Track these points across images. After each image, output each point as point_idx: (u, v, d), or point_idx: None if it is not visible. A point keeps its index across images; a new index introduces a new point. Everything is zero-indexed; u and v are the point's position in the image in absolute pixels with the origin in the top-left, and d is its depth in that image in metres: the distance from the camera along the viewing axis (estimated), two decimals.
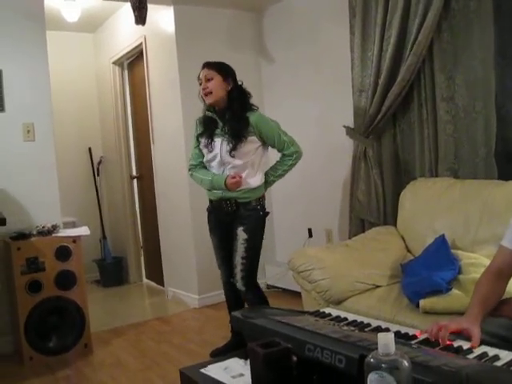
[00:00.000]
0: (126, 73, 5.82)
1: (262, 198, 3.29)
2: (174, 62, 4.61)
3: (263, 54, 5.03)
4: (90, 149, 6.06)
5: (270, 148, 3.32)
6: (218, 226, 3.37)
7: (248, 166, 3.18)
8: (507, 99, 3.34)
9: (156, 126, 5.05)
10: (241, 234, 3.20)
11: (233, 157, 3.14)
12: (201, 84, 3.23)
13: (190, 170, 3.43)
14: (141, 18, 3.81)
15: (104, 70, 5.91)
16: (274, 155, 3.38)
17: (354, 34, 3.83)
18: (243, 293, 3.29)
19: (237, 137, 3.13)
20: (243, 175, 3.16)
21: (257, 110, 3.27)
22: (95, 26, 5.87)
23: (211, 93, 3.18)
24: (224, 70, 3.22)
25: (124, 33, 5.36)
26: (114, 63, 5.73)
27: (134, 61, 5.57)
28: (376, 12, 3.61)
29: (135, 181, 5.89)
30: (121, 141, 5.80)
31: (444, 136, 3.40)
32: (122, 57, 5.57)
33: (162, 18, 4.72)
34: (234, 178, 3.13)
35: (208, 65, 3.25)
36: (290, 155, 3.24)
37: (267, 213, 3.32)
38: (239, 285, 3.25)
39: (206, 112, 3.31)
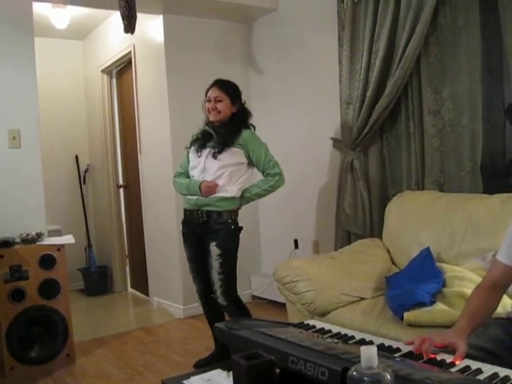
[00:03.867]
0: (114, 81, 5.81)
1: (235, 212, 3.29)
2: (162, 72, 4.60)
3: (252, 65, 5.04)
4: (76, 157, 6.03)
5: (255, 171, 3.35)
6: (190, 237, 3.38)
7: (226, 176, 3.21)
8: (493, 114, 3.37)
9: (143, 135, 5.03)
10: (214, 250, 3.21)
11: (215, 158, 3.18)
12: (209, 101, 3.26)
13: (174, 176, 3.48)
14: (130, 27, 3.80)
15: (92, 77, 5.89)
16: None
17: (342, 46, 3.85)
18: (225, 307, 3.28)
19: (224, 143, 3.18)
20: (219, 183, 3.19)
21: (251, 128, 3.32)
22: (84, 34, 5.85)
23: (220, 112, 3.23)
24: (234, 93, 3.28)
25: (113, 41, 5.36)
26: (103, 71, 5.72)
27: (122, 69, 5.57)
28: (364, 25, 3.64)
29: (121, 190, 5.86)
30: (108, 149, 5.78)
31: (430, 149, 3.43)
32: (110, 65, 5.56)
33: (151, 27, 4.72)
34: (209, 182, 3.18)
35: (220, 85, 3.29)
36: (272, 175, 3.25)
37: (240, 227, 3.32)
38: (220, 300, 3.25)
39: (205, 126, 3.36)
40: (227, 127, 3.23)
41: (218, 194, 3.20)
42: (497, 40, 3.17)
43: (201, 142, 3.31)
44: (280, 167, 3.28)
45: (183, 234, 3.44)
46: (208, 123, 3.34)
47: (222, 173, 3.20)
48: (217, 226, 3.22)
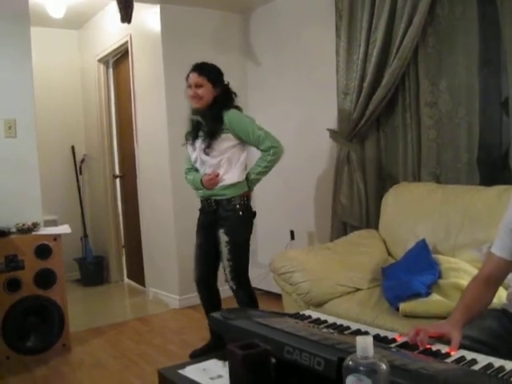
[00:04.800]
0: (110, 71, 5.78)
1: (244, 196, 3.25)
2: (159, 62, 4.59)
3: (249, 56, 5.02)
4: (72, 147, 6.01)
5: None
6: (203, 225, 3.38)
7: (224, 164, 3.19)
8: (490, 105, 3.37)
9: (140, 125, 5.02)
10: (222, 237, 3.22)
11: (207, 154, 3.18)
12: (189, 87, 3.22)
13: (185, 173, 3.46)
14: (127, 17, 3.79)
15: (89, 67, 5.86)
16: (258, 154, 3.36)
17: (339, 37, 3.84)
18: (234, 291, 3.29)
19: (211, 135, 3.15)
20: (220, 173, 3.18)
21: (235, 108, 3.27)
22: (81, 23, 5.82)
23: (201, 98, 3.19)
24: (214, 77, 3.22)
25: (110, 31, 5.33)
26: (99, 61, 5.69)
27: (119, 59, 5.54)
28: (362, 15, 3.63)
29: (118, 180, 5.85)
30: (104, 139, 5.76)
31: (427, 141, 3.43)
32: (107, 55, 5.53)
33: (148, 16, 4.69)
34: (209, 175, 3.17)
35: (198, 70, 3.22)
36: (267, 150, 3.20)
37: (253, 212, 3.32)
38: (230, 284, 3.27)
39: (192, 116, 3.33)
40: (212, 113, 3.19)
41: (221, 184, 3.19)
42: (494, 32, 3.16)
43: (193, 133, 3.29)
44: (272, 137, 3.20)
45: (198, 220, 3.44)
46: (194, 111, 3.30)
47: (220, 161, 3.18)
48: (225, 213, 3.21)
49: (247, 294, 3.32)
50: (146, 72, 4.87)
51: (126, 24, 3.89)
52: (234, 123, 3.18)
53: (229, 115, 3.19)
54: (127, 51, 5.09)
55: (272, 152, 3.19)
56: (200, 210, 3.42)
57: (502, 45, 3.07)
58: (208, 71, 3.22)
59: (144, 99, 4.93)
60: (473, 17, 3.17)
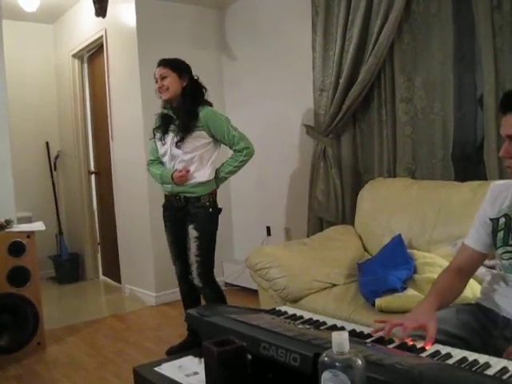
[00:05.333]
0: (85, 66, 5.72)
1: (212, 194, 3.27)
2: (134, 57, 4.54)
3: (225, 51, 5.00)
4: (47, 143, 5.94)
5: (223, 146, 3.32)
6: (171, 222, 3.38)
7: (196, 161, 3.19)
8: (465, 101, 3.40)
9: (115, 120, 4.97)
10: (191, 232, 3.22)
11: (178, 148, 3.16)
12: (156, 82, 3.23)
13: (148, 164, 3.45)
14: (101, 10, 3.76)
15: (63, 62, 5.79)
16: (230, 153, 3.35)
17: (316, 32, 3.85)
18: (200, 289, 3.29)
19: (185, 130, 3.14)
20: (191, 169, 3.17)
21: (209, 105, 3.27)
22: (55, 17, 5.73)
23: (167, 89, 3.19)
24: (179, 67, 3.22)
25: (84, 25, 5.26)
26: (74, 56, 5.62)
27: (94, 54, 5.48)
28: (338, 11, 3.63)
29: (93, 176, 5.80)
30: (79, 135, 5.70)
31: (402, 137, 3.45)
32: (81, 49, 5.47)
33: (123, 10, 4.65)
34: (180, 171, 3.15)
35: (163, 63, 3.24)
36: (240, 150, 3.21)
37: (219, 209, 3.32)
38: (196, 281, 3.26)
39: (163, 109, 3.32)
40: (185, 108, 3.18)
41: (192, 181, 3.19)
42: (469, 28, 3.19)
43: (163, 127, 3.27)
44: (246, 139, 3.22)
45: (164, 217, 3.43)
46: (165, 106, 3.30)
47: (192, 157, 3.18)
48: (195, 209, 3.21)
49: (214, 291, 3.32)
50: (121, 67, 4.83)
51: (100, 18, 3.85)
52: (210, 121, 3.17)
53: (204, 112, 3.18)
54: (102, 46, 5.03)
55: (245, 153, 3.21)
56: (165, 206, 3.41)
57: (477, 41, 3.09)
58: (172, 63, 3.23)
59: (119, 94, 4.89)
60: (448, 13, 3.20)
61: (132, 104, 4.63)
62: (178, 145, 3.15)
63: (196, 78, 3.29)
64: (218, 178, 3.28)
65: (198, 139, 3.16)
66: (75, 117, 5.69)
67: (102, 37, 4.99)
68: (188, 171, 3.17)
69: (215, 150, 3.27)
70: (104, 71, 5.03)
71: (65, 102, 5.84)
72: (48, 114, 5.96)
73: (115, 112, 4.96)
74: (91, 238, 5.83)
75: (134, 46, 4.53)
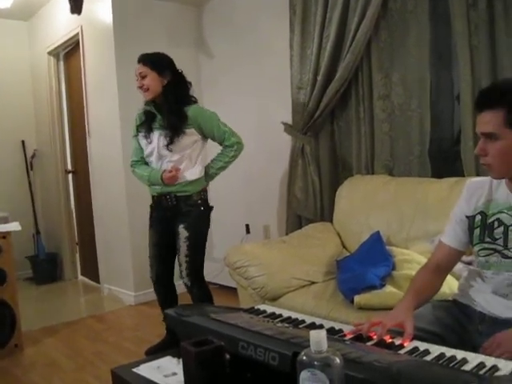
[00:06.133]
0: (61, 64, 5.65)
1: (204, 191, 3.22)
2: (111, 54, 4.50)
3: (203, 49, 4.98)
4: (23, 142, 5.86)
5: (209, 141, 3.27)
6: (159, 222, 3.29)
7: (185, 159, 3.13)
8: (442, 98, 3.43)
9: (92, 119, 4.93)
10: (182, 232, 3.14)
11: (170, 151, 3.09)
12: (137, 79, 3.14)
13: (131, 166, 3.34)
14: (77, 7, 3.72)
15: (39, 60, 5.72)
16: (215, 148, 3.33)
17: (293, 31, 3.84)
18: (188, 288, 3.24)
19: (174, 130, 3.06)
20: (180, 168, 3.11)
21: (195, 102, 3.21)
22: (30, 14, 5.66)
23: (148, 89, 3.10)
24: (159, 65, 3.11)
25: (60, 22, 5.20)
26: (50, 53, 5.55)
27: (70, 51, 5.42)
28: (316, 9, 3.64)
29: (70, 175, 5.74)
30: (56, 134, 5.64)
31: (380, 134, 3.46)
32: (57, 47, 5.41)
33: (99, 7, 4.59)
34: (170, 172, 3.07)
35: (142, 60, 3.13)
36: (231, 146, 3.17)
37: (211, 207, 3.27)
38: (185, 280, 3.20)
39: (145, 106, 3.23)
40: (168, 106, 3.09)
41: (182, 180, 3.12)
42: (445, 25, 3.21)
43: (146, 125, 3.18)
44: (236, 134, 3.19)
45: (151, 218, 3.35)
46: (147, 102, 3.20)
47: (181, 157, 3.11)
48: (186, 208, 3.15)
49: (202, 291, 3.26)
50: (97, 64, 4.78)
51: (76, 15, 3.81)
52: (200, 119, 3.11)
53: (192, 111, 3.11)
54: (78, 43, 4.97)
55: (235, 148, 3.18)
56: (153, 206, 3.33)
57: (453, 38, 3.12)
58: (151, 60, 3.12)
59: (96, 92, 4.84)
60: (424, 10, 3.22)
61: (109, 102, 4.59)
62: (168, 148, 3.07)
63: (180, 71, 3.20)
64: (208, 175, 3.24)
65: (187, 137, 3.09)
66: (51, 115, 5.62)
67: (78, 34, 4.93)
68: (178, 170, 3.08)
69: (203, 147, 3.22)
70: (80, 69, 4.98)
71: (41, 100, 5.78)
72: (24, 112, 5.89)
73: (92, 110, 4.92)
74: (69, 238, 5.77)
75: (111, 43, 4.49)
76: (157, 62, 3.13)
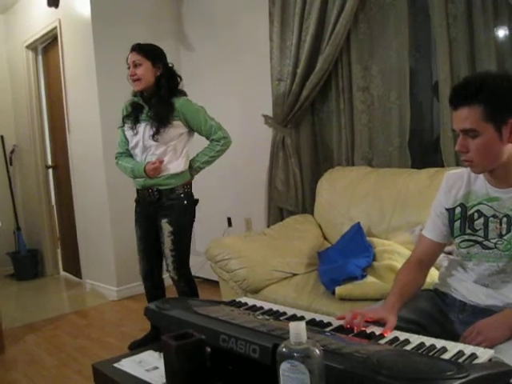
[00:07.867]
0: (40, 58, 5.59)
1: (188, 184, 3.20)
2: (89, 48, 4.45)
3: (183, 42, 4.95)
4: (1, 137, 5.80)
5: (196, 136, 3.25)
6: (143, 216, 3.27)
7: (170, 152, 3.10)
8: (421, 90, 3.45)
9: (72, 113, 4.88)
10: (165, 227, 3.13)
11: (156, 141, 3.05)
12: (129, 68, 3.11)
13: (116, 157, 3.32)
14: (54, 1, 3.67)
15: (17, 54, 5.65)
16: (200, 143, 3.31)
17: (273, 23, 3.83)
18: (175, 281, 3.23)
19: (160, 121, 3.03)
20: (164, 160, 3.08)
21: (184, 95, 3.18)
22: (7, 7, 5.58)
23: (140, 79, 3.07)
24: (154, 56, 3.10)
25: (38, 15, 5.13)
26: (28, 47, 5.49)
27: (48, 45, 5.35)
28: (295, 1, 3.63)
29: (50, 170, 5.69)
30: (35, 129, 5.58)
31: (359, 125, 3.48)
32: (35, 41, 5.34)
33: (77, 0, 4.54)
34: (154, 163, 3.05)
35: (136, 49, 3.11)
36: (218, 140, 3.15)
37: (195, 201, 3.25)
38: (172, 274, 3.19)
39: (132, 97, 3.21)
40: (158, 98, 3.08)
41: (165, 173, 3.09)
42: (424, 17, 3.23)
43: (133, 116, 3.15)
44: (223, 129, 3.17)
45: (135, 212, 3.32)
46: (136, 93, 3.18)
47: (166, 149, 3.08)
48: (169, 202, 3.12)
49: (188, 284, 3.26)
50: (76, 58, 4.73)
51: (53, 8, 3.76)
52: (186, 111, 3.09)
53: (180, 103, 3.09)
54: (56, 37, 4.92)
55: (223, 143, 3.15)
56: (137, 200, 3.31)
57: (432, 30, 3.13)
58: (147, 49, 3.11)
59: (75, 86, 4.80)
60: (403, 2, 3.22)
61: (88, 95, 4.54)
62: (154, 138, 3.04)
63: (171, 65, 3.19)
64: (193, 169, 3.21)
65: (174, 129, 3.07)
66: (30, 110, 5.56)
67: (56, 27, 4.87)
68: (161, 161, 3.06)
69: (188, 140, 3.20)
70: (59, 62, 4.92)
71: (19, 95, 5.71)
72: (2, 107, 5.82)
73: (71, 104, 4.87)
74: (50, 234, 5.73)
75: (89, 36, 4.43)
76: (152, 52, 3.11)
